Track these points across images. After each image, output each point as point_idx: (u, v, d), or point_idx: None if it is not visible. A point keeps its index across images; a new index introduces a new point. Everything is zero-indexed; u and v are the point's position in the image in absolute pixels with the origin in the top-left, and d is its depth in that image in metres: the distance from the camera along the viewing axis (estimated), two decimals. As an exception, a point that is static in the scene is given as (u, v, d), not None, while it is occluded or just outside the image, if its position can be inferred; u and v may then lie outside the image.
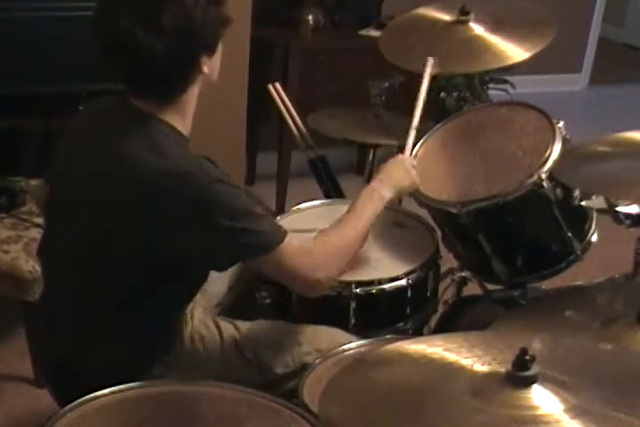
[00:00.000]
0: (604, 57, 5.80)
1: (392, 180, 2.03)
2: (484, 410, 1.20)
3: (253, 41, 3.31)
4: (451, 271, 2.49)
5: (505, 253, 2.15)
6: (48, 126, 2.95)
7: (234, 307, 2.15)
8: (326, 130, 2.79)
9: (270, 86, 2.77)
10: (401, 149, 2.21)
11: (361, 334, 1.98)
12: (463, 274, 2.46)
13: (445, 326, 2.37)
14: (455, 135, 2.32)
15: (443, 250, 2.28)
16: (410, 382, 1.30)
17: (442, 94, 3.94)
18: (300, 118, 2.77)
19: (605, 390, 1.24)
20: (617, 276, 2.13)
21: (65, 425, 1.46)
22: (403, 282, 2.09)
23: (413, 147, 2.24)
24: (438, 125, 2.35)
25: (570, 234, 2.11)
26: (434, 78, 2.39)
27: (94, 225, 1.70)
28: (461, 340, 1.39)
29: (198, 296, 1.87)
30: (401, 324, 2.14)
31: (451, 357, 1.32)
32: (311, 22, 3.84)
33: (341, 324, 2.02)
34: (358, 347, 1.86)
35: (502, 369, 1.25)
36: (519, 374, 1.22)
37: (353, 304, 2.05)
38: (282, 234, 1.71)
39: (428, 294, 2.23)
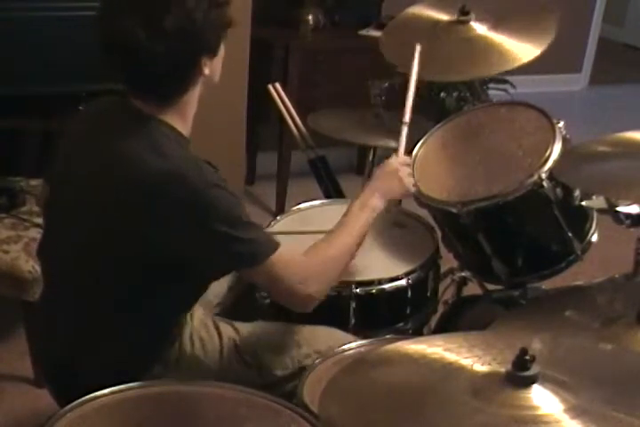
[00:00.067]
0: (604, 57, 5.80)
1: (382, 190, 1.99)
2: (484, 410, 1.20)
3: (253, 41, 3.31)
4: (451, 271, 2.49)
5: (505, 253, 2.15)
6: (48, 126, 2.95)
7: (234, 307, 2.15)
8: (326, 130, 2.78)
9: (270, 86, 2.77)
10: (397, 150, 2.20)
11: (361, 334, 1.98)
12: (463, 274, 2.46)
13: (445, 326, 2.37)
14: (455, 135, 2.32)
15: (443, 250, 2.28)
16: (410, 382, 1.30)
17: (442, 94, 3.94)
18: (300, 118, 2.77)
19: (605, 390, 1.24)
20: (617, 276, 2.13)
21: (65, 425, 1.46)
22: (403, 282, 2.09)
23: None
24: (438, 125, 2.34)
25: (570, 234, 2.10)
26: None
27: (94, 225, 1.71)
28: (461, 340, 1.39)
29: (198, 296, 1.88)
30: (401, 324, 2.14)
31: (451, 357, 1.32)
32: (311, 22, 3.84)
33: (341, 324, 2.02)
34: (358, 347, 1.86)
35: (502, 369, 1.25)
36: (519, 374, 1.22)
37: (353, 304, 2.05)
38: (275, 244, 1.71)
39: (428, 294, 2.23)
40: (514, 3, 2.54)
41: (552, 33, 2.36)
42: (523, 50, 2.35)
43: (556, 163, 2.04)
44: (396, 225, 2.32)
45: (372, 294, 2.07)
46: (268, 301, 2.07)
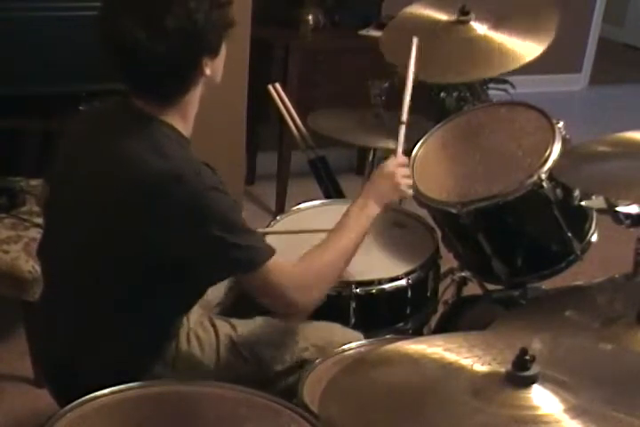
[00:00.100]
0: (604, 57, 5.80)
1: (378, 195, 1.97)
2: (484, 410, 1.20)
3: (253, 41, 3.31)
4: (451, 271, 2.49)
5: (505, 253, 2.15)
6: (48, 126, 2.95)
7: (233, 307, 2.15)
8: (326, 130, 2.78)
9: (270, 86, 2.77)
10: (395, 151, 2.19)
11: (361, 334, 1.98)
12: (463, 274, 2.46)
13: (445, 326, 2.37)
14: (455, 135, 2.32)
15: (443, 250, 2.28)
16: (410, 382, 1.30)
17: (442, 94, 3.94)
18: (300, 118, 2.77)
19: (605, 390, 1.24)
20: (617, 276, 2.13)
21: (65, 425, 1.46)
22: (403, 282, 2.10)
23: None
24: (438, 125, 2.34)
25: (570, 234, 2.11)
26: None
27: (95, 225, 1.71)
28: (461, 340, 1.39)
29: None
30: (401, 324, 2.15)
31: (451, 357, 1.32)
32: (311, 22, 3.84)
33: (341, 324, 2.01)
34: (358, 347, 1.86)
35: (502, 369, 1.25)
36: (519, 374, 1.22)
37: (353, 304, 2.05)
38: (271, 250, 1.71)
39: (428, 294, 2.23)
40: (514, 3, 2.54)
41: (552, 33, 2.36)
42: (523, 50, 2.35)
43: (556, 163, 2.04)
44: (396, 225, 2.32)
45: (372, 294, 2.07)
46: (267, 301, 2.07)
